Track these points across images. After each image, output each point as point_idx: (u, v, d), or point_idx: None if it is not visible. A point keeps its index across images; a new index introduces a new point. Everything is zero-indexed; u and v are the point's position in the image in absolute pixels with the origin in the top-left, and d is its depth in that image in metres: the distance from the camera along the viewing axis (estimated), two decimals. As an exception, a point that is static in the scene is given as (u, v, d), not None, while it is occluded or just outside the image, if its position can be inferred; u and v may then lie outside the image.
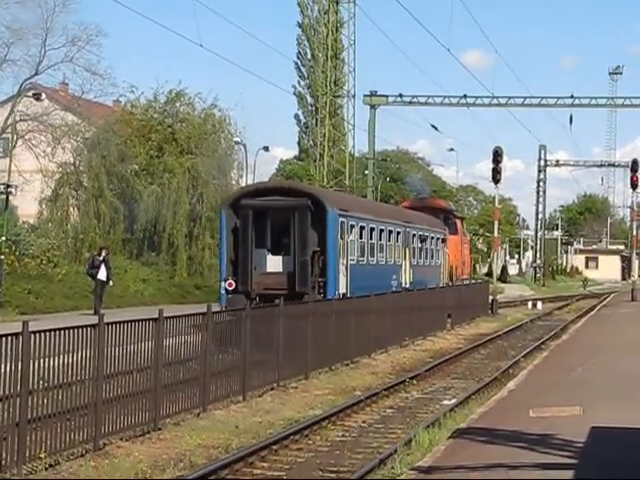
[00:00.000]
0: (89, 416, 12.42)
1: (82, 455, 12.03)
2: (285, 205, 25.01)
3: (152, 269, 43.60)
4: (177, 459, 12.40)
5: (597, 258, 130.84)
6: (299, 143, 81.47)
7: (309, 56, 77.44)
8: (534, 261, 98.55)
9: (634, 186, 53.78)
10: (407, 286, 33.97)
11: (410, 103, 63.74)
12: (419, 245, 36.81)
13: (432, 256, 39.21)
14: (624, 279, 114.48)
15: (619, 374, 18.60)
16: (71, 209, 45.39)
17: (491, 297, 46.93)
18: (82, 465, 11.63)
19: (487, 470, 9.29)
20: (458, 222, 46.16)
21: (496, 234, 52.37)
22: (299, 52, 78.14)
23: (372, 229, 30.40)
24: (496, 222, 50.72)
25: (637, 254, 60.02)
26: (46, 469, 11.20)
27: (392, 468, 11.47)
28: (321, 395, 19.10)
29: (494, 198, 54.07)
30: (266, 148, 58.71)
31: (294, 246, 24.72)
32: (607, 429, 11.79)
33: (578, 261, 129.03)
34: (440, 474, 9.61)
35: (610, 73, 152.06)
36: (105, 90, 47.88)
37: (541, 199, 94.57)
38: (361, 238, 29.08)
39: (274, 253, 25.38)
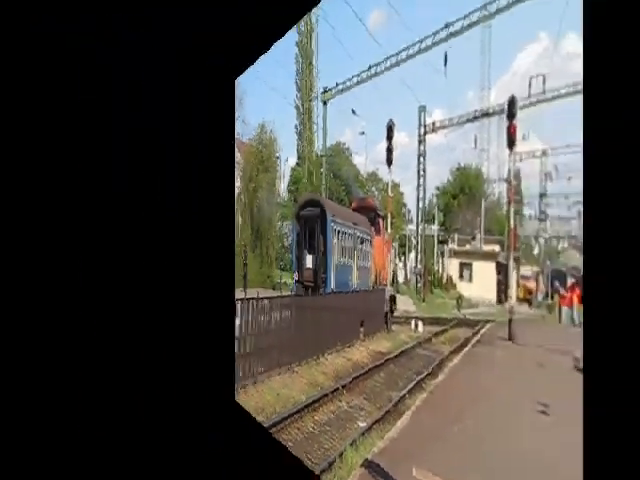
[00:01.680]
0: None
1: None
2: (312, 215, 31.16)
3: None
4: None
5: (471, 265, 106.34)
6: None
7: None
8: (415, 266, 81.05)
9: (511, 142, 37.23)
10: (355, 287, 34.73)
11: (342, 91, 62.52)
12: (360, 247, 36.83)
13: (366, 259, 38.41)
14: (499, 301, 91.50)
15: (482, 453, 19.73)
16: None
17: (385, 310, 40.97)
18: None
19: None
20: (381, 221, 41.14)
21: (389, 230, 42.91)
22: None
23: (344, 232, 34.07)
24: (389, 214, 43.00)
25: (514, 259, 41.28)
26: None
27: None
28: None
29: (387, 185, 47.73)
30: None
31: (317, 247, 31.17)
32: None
33: (452, 268, 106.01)
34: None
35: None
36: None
37: (422, 180, 78.11)
38: (338, 241, 33.56)
39: (309, 253, 31.86)
